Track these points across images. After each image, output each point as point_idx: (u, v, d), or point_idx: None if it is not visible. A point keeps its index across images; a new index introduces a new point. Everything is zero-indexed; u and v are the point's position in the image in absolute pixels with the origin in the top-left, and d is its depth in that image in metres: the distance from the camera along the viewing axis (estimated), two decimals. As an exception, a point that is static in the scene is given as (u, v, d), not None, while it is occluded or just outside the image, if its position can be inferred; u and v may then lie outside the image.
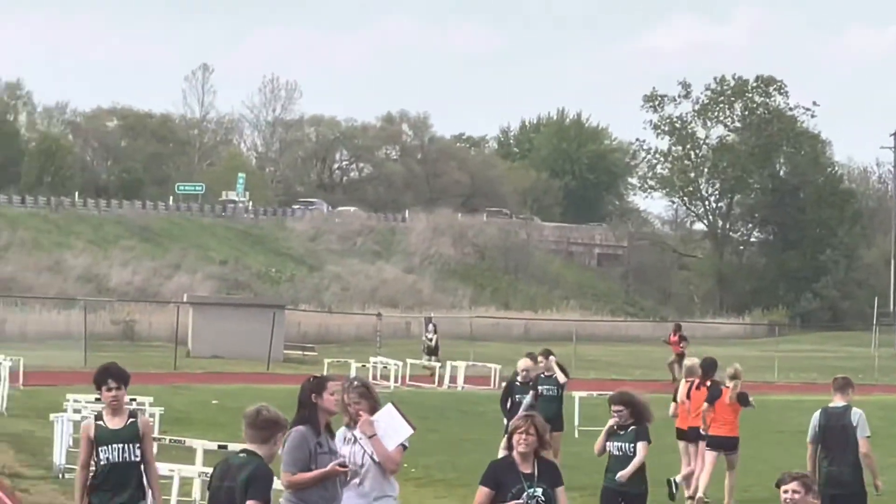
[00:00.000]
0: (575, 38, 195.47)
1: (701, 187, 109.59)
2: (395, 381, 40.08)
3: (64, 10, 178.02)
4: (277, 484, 9.54)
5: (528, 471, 9.94)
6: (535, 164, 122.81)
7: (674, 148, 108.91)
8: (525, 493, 9.84)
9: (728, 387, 18.89)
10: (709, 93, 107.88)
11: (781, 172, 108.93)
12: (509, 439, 10.11)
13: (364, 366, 40.97)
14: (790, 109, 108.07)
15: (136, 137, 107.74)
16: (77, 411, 21.63)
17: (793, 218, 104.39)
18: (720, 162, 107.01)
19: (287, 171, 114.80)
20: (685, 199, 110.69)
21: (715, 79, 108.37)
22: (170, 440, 19.36)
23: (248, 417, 8.99)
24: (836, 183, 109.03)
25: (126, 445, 11.21)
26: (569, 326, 59.65)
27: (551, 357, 21.27)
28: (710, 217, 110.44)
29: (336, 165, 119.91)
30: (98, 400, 16.11)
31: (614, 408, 14.09)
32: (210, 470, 9.64)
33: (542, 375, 20.94)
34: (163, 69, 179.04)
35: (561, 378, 21.02)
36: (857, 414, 14.81)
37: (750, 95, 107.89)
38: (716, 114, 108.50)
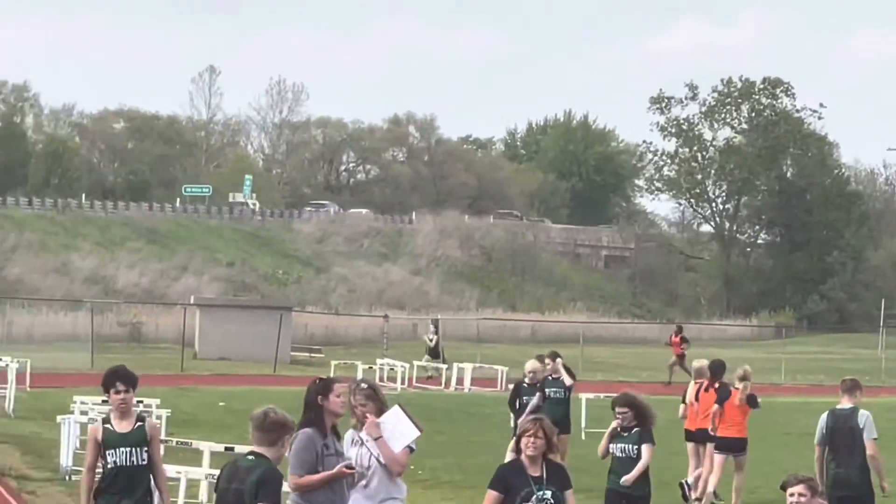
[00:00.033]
0: (581, 41, 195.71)
1: (708, 189, 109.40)
2: (402, 382, 40.01)
3: (67, 10, 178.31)
4: (285, 486, 9.54)
5: (537, 474, 9.91)
6: (541, 165, 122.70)
7: (681, 150, 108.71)
8: (534, 497, 9.82)
9: (737, 388, 18.91)
10: (715, 95, 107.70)
11: (788, 174, 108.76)
12: (517, 442, 10.10)
13: (371, 368, 40.84)
14: (797, 111, 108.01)
15: (142, 139, 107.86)
16: (84, 413, 21.57)
17: (800, 220, 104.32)
18: (727, 164, 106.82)
19: (294, 173, 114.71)
20: (692, 200, 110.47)
21: (722, 81, 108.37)
22: (177, 442, 19.35)
23: (255, 420, 8.97)
24: (843, 185, 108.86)
25: (134, 449, 11.18)
26: (576, 328, 59.56)
27: (558, 359, 21.27)
28: (717, 219, 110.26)
29: (343, 167, 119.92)
30: (105, 402, 16.10)
31: (618, 410, 14.07)
32: (217, 472, 9.62)
33: (549, 378, 20.92)
34: (170, 71, 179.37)
35: (567, 381, 21.00)
36: (864, 416, 14.81)
37: (757, 97, 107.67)
38: (722, 116, 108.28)
